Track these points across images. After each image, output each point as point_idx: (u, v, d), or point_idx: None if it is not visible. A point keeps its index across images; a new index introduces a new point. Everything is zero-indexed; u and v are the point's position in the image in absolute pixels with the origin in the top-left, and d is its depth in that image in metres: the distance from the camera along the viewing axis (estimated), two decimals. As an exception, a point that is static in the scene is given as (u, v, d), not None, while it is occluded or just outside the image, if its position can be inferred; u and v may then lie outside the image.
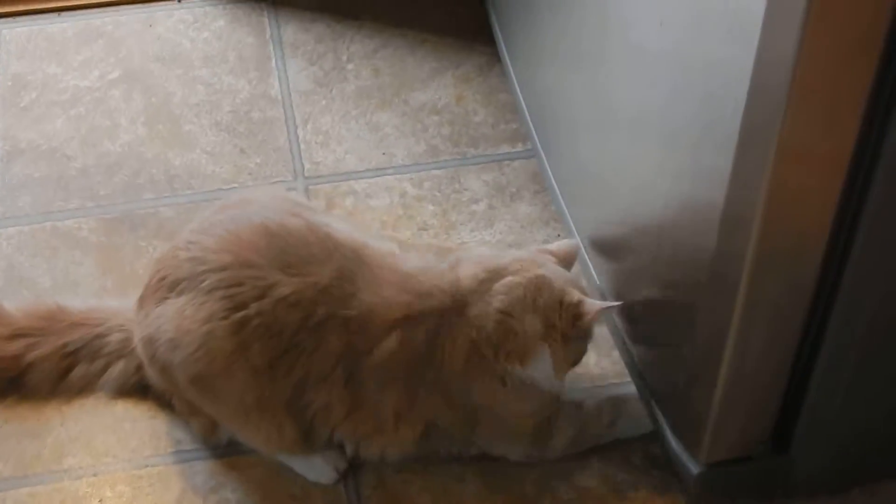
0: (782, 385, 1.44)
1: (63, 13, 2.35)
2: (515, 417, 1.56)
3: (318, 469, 1.62)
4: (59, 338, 1.68)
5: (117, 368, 1.67)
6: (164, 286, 1.53)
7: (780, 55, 1.09)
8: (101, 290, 1.87)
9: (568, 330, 1.52)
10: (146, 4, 2.36)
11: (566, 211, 1.88)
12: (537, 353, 1.51)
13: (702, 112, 1.29)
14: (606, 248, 1.74)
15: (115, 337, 1.67)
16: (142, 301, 1.57)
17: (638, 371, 1.66)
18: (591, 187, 1.76)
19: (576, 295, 1.53)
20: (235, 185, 2.03)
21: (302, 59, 2.25)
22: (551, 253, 1.60)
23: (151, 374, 1.60)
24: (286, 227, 1.53)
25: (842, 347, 1.38)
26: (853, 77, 1.12)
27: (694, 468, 1.52)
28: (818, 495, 1.60)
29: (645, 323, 1.63)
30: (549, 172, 1.94)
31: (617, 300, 1.70)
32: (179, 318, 1.49)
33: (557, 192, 1.91)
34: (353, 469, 1.64)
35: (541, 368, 1.52)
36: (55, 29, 2.32)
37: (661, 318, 1.57)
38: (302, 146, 2.10)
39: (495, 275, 1.52)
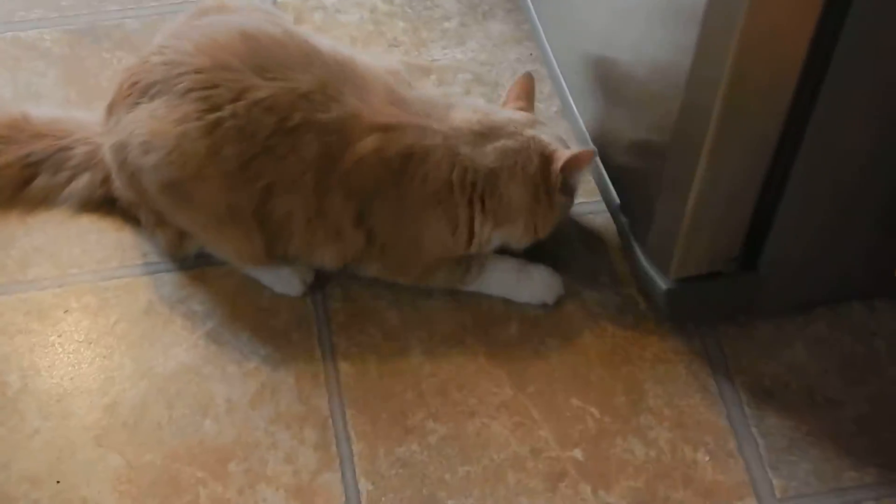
0: (753, 201, 1.43)
1: None
2: (432, 257, 1.57)
3: (285, 281, 1.62)
4: (22, 147, 1.65)
5: (82, 181, 1.65)
6: (137, 91, 1.50)
7: None
8: (64, 102, 1.83)
9: (551, 187, 1.52)
10: None
11: (540, 30, 1.84)
12: (514, 222, 1.53)
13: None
14: (580, 66, 1.72)
15: (79, 150, 1.65)
16: (111, 108, 1.55)
17: (608, 189, 1.65)
18: (567, 5, 1.73)
19: (553, 147, 1.53)
20: (202, -2, 1.98)
21: None
22: (517, 94, 1.61)
23: (120, 184, 1.58)
24: (265, 32, 1.50)
25: (813, 168, 1.38)
26: None
27: (663, 284, 1.53)
28: (784, 312, 1.61)
29: (617, 141, 1.62)
30: (524, -11, 1.90)
31: (590, 120, 1.68)
32: (152, 120, 1.46)
33: (532, 10, 1.87)
34: (320, 283, 1.63)
35: (509, 234, 1.55)
36: None
37: (634, 135, 1.55)
38: (271, -42, 2.04)
39: (491, 133, 1.51)
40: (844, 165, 1.39)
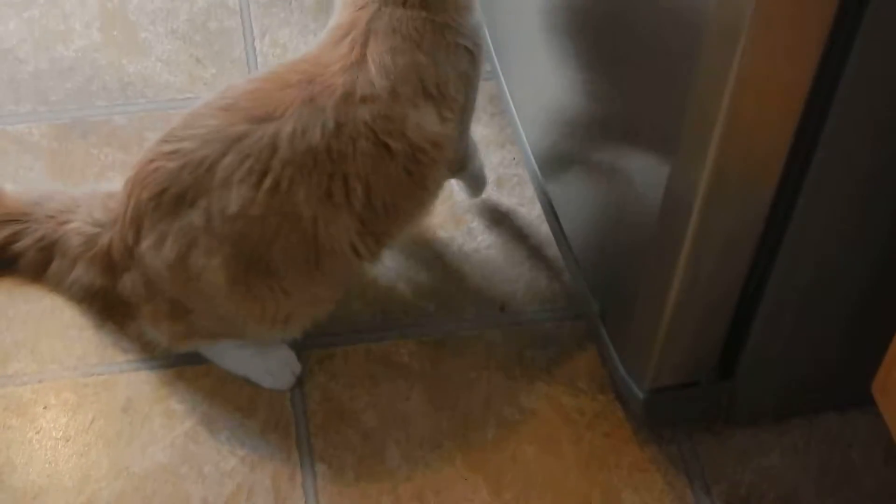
0: (730, 312, 1.44)
1: (18, -88, 2.30)
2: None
3: (275, 374, 1.63)
4: (38, 229, 1.67)
5: (79, 271, 1.64)
6: (168, 201, 1.48)
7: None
8: (50, 196, 1.84)
9: None
10: None
11: (522, 134, 1.87)
12: None
13: (659, 42, 1.28)
14: (561, 173, 1.74)
15: (75, 240, 1.63)
16: (138, 221, 1.51)
17: (587, 295, 1.66)
18: (549, 112, 1.75)
19: None
20: (190, 94, 2.01)
21: (262, -31, 2.22)
22: None
23: (137, 283, 1.56)
24: (232, 94, 1.51)
25: (789, 278, 1.39)
26: (815, 7, 1.11)
27: (640, 393, 1.53)
28: (760, 423, 1.62)
29: (597, 246, 1.63)
30: (507, 95, 1.92)
31: (571, 225, 1.70)
32: (208, 223, 1.46)
33: (514, 114, 1.90)
34: (299, 383, 1.64)
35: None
36: (10, -72, 2.27)
37: (614, 240, 1.57)
38: (259, 58, 2.07)
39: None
40: (819, 280, 1.41)
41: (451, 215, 1.85)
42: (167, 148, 1.50)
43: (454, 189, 1.86)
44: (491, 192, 1.87)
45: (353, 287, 1.69)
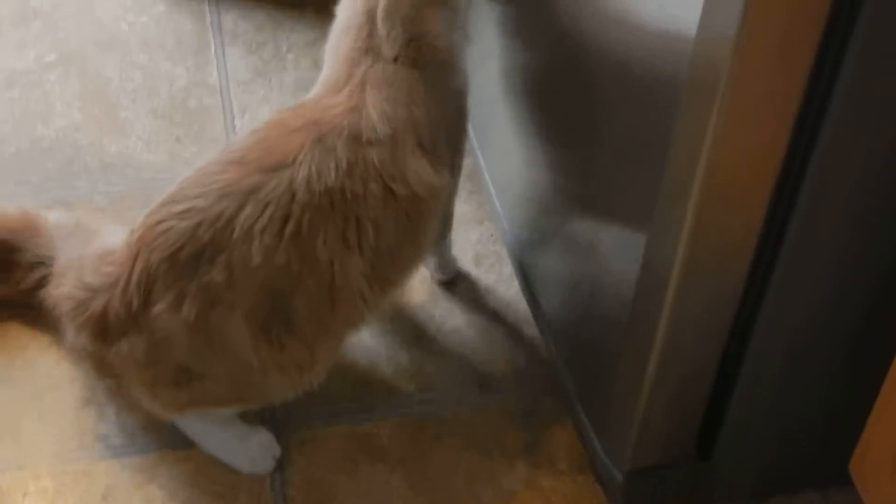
0: (707, 389, 1.45)
1: (-1, -9, 2.33)
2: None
3: (256, 459, 1.63)
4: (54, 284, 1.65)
5: (70, 336, 1.61)
6: (183, 262, 1.46)
7: (715, 57, 1.10)
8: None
9: None
10: (85, -15, 2.35)
11: (500, 211, 1.88)
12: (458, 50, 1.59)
13: (635, 117, 1.30)
14: (539, 250, 1.75)
15: (67, 305, 1.60)
16: (146, 285, 1.48)
17: (566, 376, 1.67)
18: (524, 188, 1.77)
19: None
20: (170, 174, 2.01)
21: (241, 47, 2.24)
22: None
23: (142, 350, 1.52)
24: (239, 148, 1.52)
25: (766, 355, 1.40)
26: (788, 76, 1.12)
27: (618, 474, 1.54)
28: (740, 501, 1.62)
29: (574, 325, 1.64)
30: (484, 172, 1.94)
31: (549, 303, 1.71)
32: (232, 277, 1.45)
33: (492, 191, 1.91)
34: (279, 468, 1.64)
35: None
36: (-10, 7, 2.30)
37: (591, 318, 1.58)
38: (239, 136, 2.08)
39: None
40: (796, 357, 1.42)
41: (430, 294, 1.85)
42: (177, 208, 1.48)
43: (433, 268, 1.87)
44: (470, 270, 1.88)
45: (333, 368, 1.69)
